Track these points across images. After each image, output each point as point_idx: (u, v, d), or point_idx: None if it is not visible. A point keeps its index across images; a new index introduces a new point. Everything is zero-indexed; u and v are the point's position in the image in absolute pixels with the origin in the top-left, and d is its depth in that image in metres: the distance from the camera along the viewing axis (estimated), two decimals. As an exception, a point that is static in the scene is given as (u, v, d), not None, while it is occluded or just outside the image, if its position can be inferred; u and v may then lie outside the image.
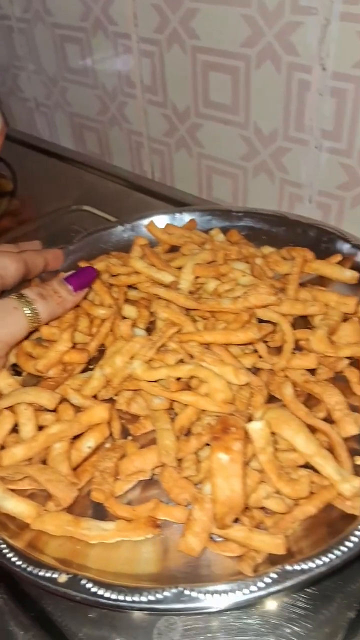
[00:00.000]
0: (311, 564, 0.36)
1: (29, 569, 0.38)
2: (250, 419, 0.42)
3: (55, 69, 1.00)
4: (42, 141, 1.11)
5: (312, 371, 0.48)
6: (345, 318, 0.50)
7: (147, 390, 0.45)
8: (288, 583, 0.36)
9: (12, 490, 0.44)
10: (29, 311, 0.49)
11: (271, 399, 0.48)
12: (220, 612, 0.40)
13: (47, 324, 0.52)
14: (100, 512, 0.43)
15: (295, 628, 0.40)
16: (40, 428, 0.47)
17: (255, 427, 0.39)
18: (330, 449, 0.43)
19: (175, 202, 0.86)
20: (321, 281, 0.58)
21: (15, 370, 0.54)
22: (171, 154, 0.91)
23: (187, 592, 0.36)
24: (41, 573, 0.38)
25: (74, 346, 0.52)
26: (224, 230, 0.65)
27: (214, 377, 0.43)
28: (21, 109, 1.13)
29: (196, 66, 0.79)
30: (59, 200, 0.83)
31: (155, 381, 0.46)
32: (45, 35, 0.97)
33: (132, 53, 0.86)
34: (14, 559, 0.39)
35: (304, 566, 0.36)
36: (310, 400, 0.47)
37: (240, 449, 0.38)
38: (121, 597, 0.36)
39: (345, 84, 0.67)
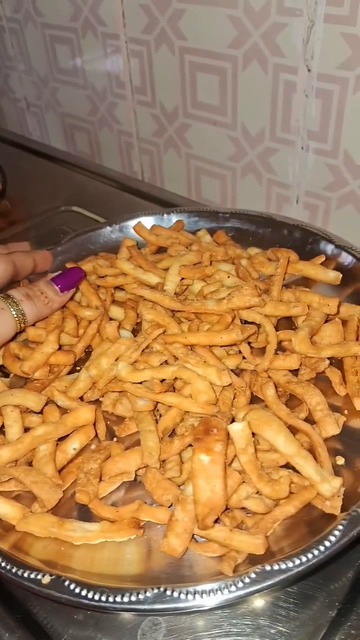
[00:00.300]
0: (290, 563, 0.37)
1: (13, 570, 0.38)
2: (232, 420, 0.43)
3: (45, 69, 1.00)
4: (32, 142, 1.11)
5: (294, 371, 0.49)
6: (328, 319, 0.51)
7: (131, 391, 0.46)
8: (268, 582, 0.36)
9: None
10: (15, 312, 0.49)
11: (254, 400, 0.48)
12: (203, 612, 0.41)
13: (33, 325, 0.52)
14: (85, 513, 0.44)
15: (279, 627, 0.41)
16: (27, 430, 0.48)
17: (236, 428, 0.40)
18: (311, 449, 0.43)
19: (165, 203, 0.86)
20: (305, 282, 0.59)
21: (3, 371, 0.54)
22: (160, 154, 0.92)
23: (168, 592, 0.36)
24: (25, 574, 0.38)
25: (60, 348, 0.52)
26: (212, 232, 0.65)
27: (197, 379, 0.43)
28: (12, 109, 1.13)
29: (184, 67, 0.80)
30: (49, 201, 0.84)
31: (140, 383, 0.47)
32: (35, 36, 0.97)
33: (121, 53, 0.86)
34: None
35: (283, 565, 0.37)
36: (292, 401, 0.48)
37: (221, 450, 0.39)
38: (104, 598, 0.37)
39: (330, 85, 0.67)
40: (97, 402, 0.50)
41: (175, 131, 0.87)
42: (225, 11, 0.71)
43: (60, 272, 0.55)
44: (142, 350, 0.48)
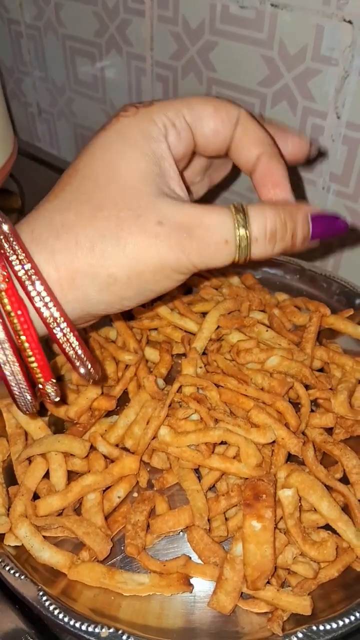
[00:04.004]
0: (334, 624, 0.40)
1: (72, 622, 0.40)
2: (275, 482, 0.45)
3: (62, 79, 0.99)
4: (41, 151, 1.10)
5: (329, 430, 0.52)
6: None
7: (177, 455, 0.47)
8: (314, 643, 0.39)
9: (44, 536, 0.46)
10: (240, 234, 0.36)
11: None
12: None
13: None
14: (128, 559, 0.46)
15: None
16: (69, 472, 0.49)
17: (287, 494, 0.42)
18: (344, 508, 0.46)
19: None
20: (331, 330, 0.61)
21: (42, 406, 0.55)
22: (177, 176, 0.92)
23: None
24: (84, 627, 0.40)
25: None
26: (239, 273, 0.67)
27: (245, 443, 0.45)
28: (22, 113, 1.12)
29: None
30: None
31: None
32: (55, 45, 0.96)
33: (145, 76, 0.86)
34: (56, 612, 0.41)
35: (328, 626, 0.40)
36: (325, 459, 0.50)
37: (271, 516, 0.41)
38: (160, 655, 0.39)
39: (358, 134, 0.69)
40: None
41: (194, 156, 0.88)
42: (260, 50, 0.73)
43: (323, 211, 0.40)
44: (169, 405, 0.50)
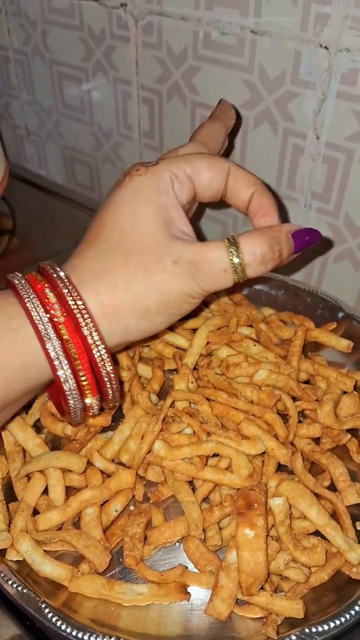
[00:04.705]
0: (326, 626, 0.42)
1: (74, 632, 0.42)
2: (266, 491, 0.47)
3: (50, 102, 1.02)
4: (29, 172, 1.12)
5: (316, 439, 0.54)
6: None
7: (171, 468, 0.49)
8: (307, 644, 0.41)
9: (45, 550, 0.47)
10: (235, 263, 0.43)
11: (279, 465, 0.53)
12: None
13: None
14: (127, 570, 0.48)
15: None
16: (67, 488, 0.51)
17: (277, 503, 0.45)
18: (333, 514, 0.48)
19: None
20: (315, 343, 0.64)
21: (36, 425, 0.57)
22: (164, 195, 0.95)
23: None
24: (85, 637, 0.42)
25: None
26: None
27: (236, 454, 0.48)
28: (10, 135, 1.14)
29: (195, 119, 0.83)
30: (60, 242, 0.85)
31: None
32: (42, 70, 0.98)
33: (131, 99, 0.89)
34: (58, 623, 0.42)
35: (320, 628, 0.42)
36: (313, 467, 0.53)
37: (263, 524, 0.43)
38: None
39: (336, 154, 0.72)
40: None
41: (180, 176, 0.90)
42: (241, 74, 0.75)
43: (301, 226, 0.47)
44: (163, 420, 0.52)
